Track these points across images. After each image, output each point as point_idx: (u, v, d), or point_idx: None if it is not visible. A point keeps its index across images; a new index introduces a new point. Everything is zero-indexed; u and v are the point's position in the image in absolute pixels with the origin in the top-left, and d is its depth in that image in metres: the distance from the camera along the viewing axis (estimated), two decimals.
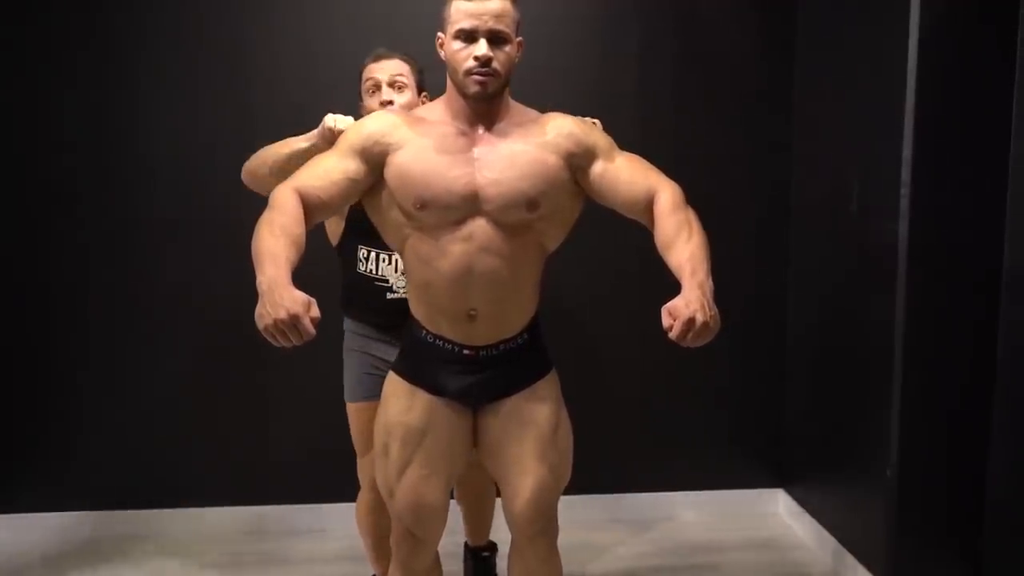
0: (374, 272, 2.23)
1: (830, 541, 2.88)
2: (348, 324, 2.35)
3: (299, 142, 2.04)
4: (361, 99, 2.27)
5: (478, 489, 2.52)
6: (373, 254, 2.22)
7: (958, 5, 2.33)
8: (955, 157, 2.39)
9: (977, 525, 2.49)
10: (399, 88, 2.19)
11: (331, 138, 1.91)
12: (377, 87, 2.19)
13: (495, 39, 1.71)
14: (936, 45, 2.34)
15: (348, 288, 2.31)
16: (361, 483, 2.39)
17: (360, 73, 2.26)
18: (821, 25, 2.93)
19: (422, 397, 1.86)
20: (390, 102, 2.16)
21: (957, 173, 2.39)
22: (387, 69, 2.19)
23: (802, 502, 3.11)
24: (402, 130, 1.78)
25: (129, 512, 3.04)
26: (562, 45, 2.99)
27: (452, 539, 2.10)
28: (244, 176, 2.16)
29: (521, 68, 1.83)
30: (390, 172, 1.76)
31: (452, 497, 2.49)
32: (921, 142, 2.37)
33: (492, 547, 2.64)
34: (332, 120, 1.96)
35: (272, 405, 3.04)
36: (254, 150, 1.99)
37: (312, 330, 1.50)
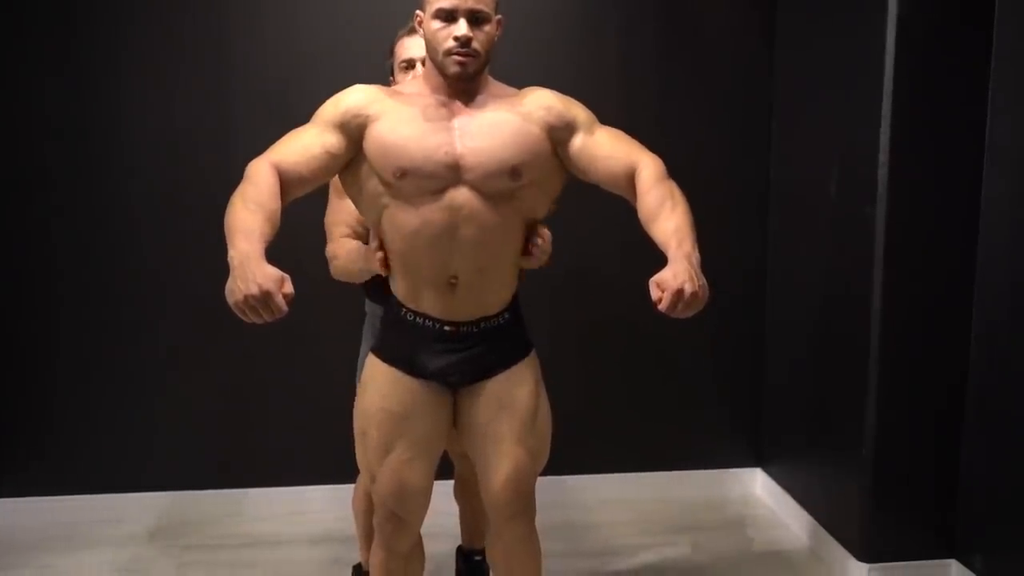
0: None
1: (807, 519, 2.91)
2: (371, 307, 2.28)
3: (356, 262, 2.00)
4: (392, 74, 2.17)
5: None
6: None
7: None
8: (932, 141, 2.41)
9: (951, 503, 2.54)
10: None
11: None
12: (411, 65, 2.10)
13: (475, 18, 1.70)
14: (914, 29, 2.35)
15: (380, 280, 2.18)
16: (360, 466, 2.33)
17: (392, 47, 2.16)
18: (801, 9, 2.93)
19: (402, 380, 1.85)
20: None
21: (934, 157, 2.41)
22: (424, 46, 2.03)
23: (779, 481, 3.15)
24: (380, 102, 1.76)
25: (111, 496, 3.02)
26: (541, 25, 2.96)
27: (434, 520, 2.10)
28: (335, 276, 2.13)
29: (499, 47, 1.81)
30: (369, 143, 1.75)
31: (453, 493, 2.50)
32: (899, 126, 2.38)
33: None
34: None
35: (253, 388, 3.02)
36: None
37: (284, 307, 1.48)
